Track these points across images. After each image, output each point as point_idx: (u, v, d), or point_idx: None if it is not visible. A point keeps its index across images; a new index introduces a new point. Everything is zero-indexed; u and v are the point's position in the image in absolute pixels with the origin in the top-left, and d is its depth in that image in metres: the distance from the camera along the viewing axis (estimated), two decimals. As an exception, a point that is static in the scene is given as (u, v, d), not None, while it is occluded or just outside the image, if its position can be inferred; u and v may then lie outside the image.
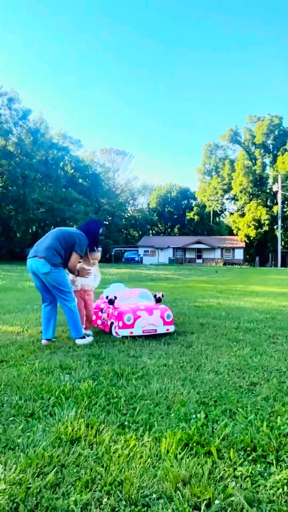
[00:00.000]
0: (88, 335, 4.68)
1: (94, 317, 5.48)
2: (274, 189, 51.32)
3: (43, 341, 4.46)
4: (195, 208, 67.43)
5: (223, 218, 70.72)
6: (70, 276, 4.85)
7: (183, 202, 71.80)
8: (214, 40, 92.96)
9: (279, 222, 48.20)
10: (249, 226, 52.89)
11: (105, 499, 1.66)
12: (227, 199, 64.33)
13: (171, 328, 4.89)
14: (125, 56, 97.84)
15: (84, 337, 4.48)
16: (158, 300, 5.27)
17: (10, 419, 2.41)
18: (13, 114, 43.70)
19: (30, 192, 42.13)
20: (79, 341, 4.41)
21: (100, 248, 5.01)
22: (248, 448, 2.06)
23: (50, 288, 4.46)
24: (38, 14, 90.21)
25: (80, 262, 4.76)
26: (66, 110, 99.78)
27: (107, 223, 59.83)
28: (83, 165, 55.93)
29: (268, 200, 55.29)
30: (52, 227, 49.52)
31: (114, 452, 2.00)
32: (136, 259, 51.66)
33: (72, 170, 54.90)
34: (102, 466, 1.88)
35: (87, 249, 4.73)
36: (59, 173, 50.21)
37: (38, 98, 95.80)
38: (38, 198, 43.40)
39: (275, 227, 51.06)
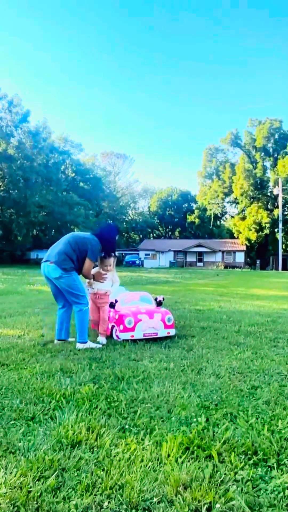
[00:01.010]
0: (99, 343, 4.60)
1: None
2: (275, 193, 51.36)
3: (55, 341, 4.62)
4: (196, 211, 67.47)
5: (224, 221, 70.76)
6: (91, 281, 4.92)
7: (184, 205, 71.86)
8: (216, 45, 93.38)
9: (280, 225, 48.18)
10: (250, 229, 52.89)
11: (106, 503, 1.65)
12: (228, 202, 64.43)
13: (172, 332, 4.88)
14: (127, 61, 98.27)
15: (86, 343, 4.45)
16: (159, 304, 5.27)
17: (11, 422, 2.41)
18: (13, 117, 43.85)
19: (31, 196, 42.22)
20: (79, 345, 4.42)
21: (113, 254, 5.01)
22: (249, 452, 2.05)
23: (63, 292, 4.53)
24: (39, 16, 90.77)
25: (95, 267, 4.81)
26: (67, 113, 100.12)
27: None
28: (84, 168, 56.08)
29: (269, 204, 55.32)
30: (53, 230, 49.78)
31: (115, 456, 2.00)
32: (137, 262, 51.62)
33: (73, 174, 55.04)
34: (103, 470, 1.88)
35: (103, 255, 4.74)
36: (60, 177, 50.33)
37: (39, 101, 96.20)
38: (39, 202, 43.48)
39: (276, 230, 51.03)
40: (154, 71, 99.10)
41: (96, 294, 4.94)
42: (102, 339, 4.73)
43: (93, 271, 4.70)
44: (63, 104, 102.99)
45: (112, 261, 4.91)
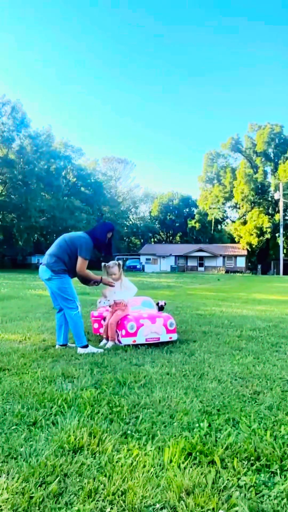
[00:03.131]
0: (102, 348, 4.59)
1: (96, 325, 5.48)
2: (276, 197, 51.44)
3: (56, 346, 4.64)
4: (196, 216, 67.54)
5: (225, 226, 70.85)
6: (103, 290, 4.97)
7: (184, 210, 71.96)
8: (215, 52, 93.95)
9: (281, 230, 48.21)
10: (251, 234, 52.91)
11: (108, 509, 1.64)
12: (228, 207, 64.58)
13: (174, 336, 4.87)
14: (127, 68, 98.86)
15: (87, 346, 4.46)
16: (161, 308, 5.27)
17: (13, 428, 2.40)
18: (15, 123, 44.08)
19: (32, 200, 42.33)
20: (80, 350, 4.41)
21: (117, 262, 5.00)
22: (252, 458, 2.04)
23: (55, 295, 4.56)
24: (40, 22, 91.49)
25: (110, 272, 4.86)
26: (67, 119, 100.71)
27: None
28: (85, 173, 56.26)
29: (270, 208, 55.38)
30: (54, 235, 49.79)
31: (117, 461, 1.99)
32: (138, 267, 51.63)
33: (74, 179, 55.21)
34: (105, 476, 1.87)
35: (105, 258, 4.75)
36: (61, 182, 50.47)
37: (39, 107, 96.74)
38: (40, 206, 43.59)
39: (277, 235, 51.06)
40: (155, 77, 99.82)
41: (116, 304, 4.92)
42: (109, 343, 4.74)
43: (86, 271, 4.59)
44: (63, 110, 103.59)
45: (116, 270, 4.89)
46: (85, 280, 4.70)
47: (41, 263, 4.63)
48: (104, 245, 4.74)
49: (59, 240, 4.64)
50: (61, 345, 4.64)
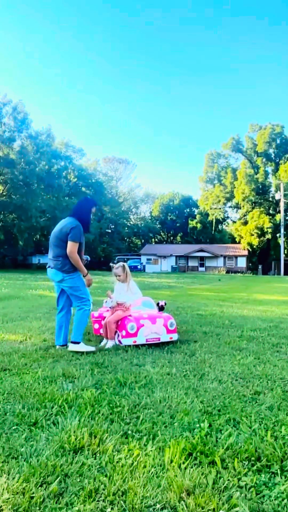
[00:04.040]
0: (97, 347, 4.61)
1: (96, 326, 5.48)
2: (277, 198, 51.41)
3: (57, 347, 4.64)
4: (197, 216, 67.55)
5: (226, 226, 70.84)
6: (108, 292, 5.06)
7: (185, 210, 71.92)
8: (216, 52, 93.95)
9: (282, 230, 48.19)
10: (252, 234, 52.90)
11: (109, 509, 1.65)
12: (229, 207, 64.55)
13: (175, 337, 4.87)
14: (128, 68, 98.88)
15: (78, 343, 4.45)
16: (161, 309, 5.27)
17: (13, 428, 2.40)
18: (17, 123, 44.10)
19: (33, 200, 42.34)
20: (71, 346, 4.42)
21: (121, 263, 5.01)
22: (253, 458, 2.04)
23: (68, 294, 4.62)
24: (41, 22, 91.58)
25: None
26: (67, 119, 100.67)
27: (109, 231, 59.95)
28: (86, 173, 56.24)
29: (271, 208, 55.37)
30: (55, 235, 49.77)
31: (117, 462, 1.99)
32: (139, 267, 51.60)
33: (75, 179, 55.21)
34: (106, 476, 1.87)
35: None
36: (62, 182, 50.48)
37: (40, 107, 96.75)
38: (41, 207, 43.60)
39: (277, 235, 51.03)
40: (155, 77, 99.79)
41: (119, 304, 4.92)
42: (109, 343, 4.74)
43: (76, 253, 4.50)
44: (63, 110, 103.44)
45: (121, 271, 4.89)
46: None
47: (48, 267, 4.64)
48: (89, 224, 4.72)
49: (53, 240, 4.62)
50: (61, 346, 4.64)
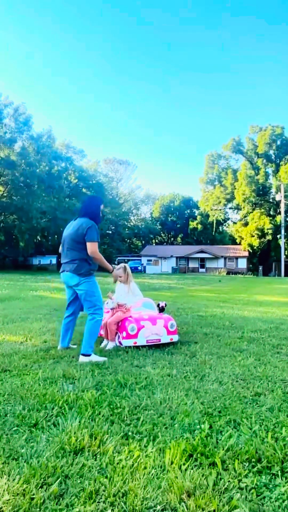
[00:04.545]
0: (104, 354, 4.43)
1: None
2: (277, 199, 51.37)
3: (59, 347, 4.63)
4: (198, 217, 67.58)
5: (226, 227, 70.84)
6: (109, 293, 5.04)
7: (186, 211, 71.97)
8: (216, 53, 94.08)
9: (282, 231, 48.16)
10: (252, 236, 52.90)
11: (109, 511, 1.65)
12: (230, 208, 64.51)
13: (175, 338, 4.87)
14: (129, 67, 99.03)
15: (89, 355, 4.18)
16: (162, 310, 5.27)
17: (14, 429, 2.40)
18: (18, 124, 44.17)
19: (34, 202, 42.38)
20: (82, 358, 4.14)
21: (123, 264, 4.99)
22: (253, 459, 2.04)
23: (81, 300, 4.43)
24: (42, 24, 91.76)
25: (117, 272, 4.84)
26: (68, 120, 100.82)
27: (110, 232, 59.98)
28: (87, 175, 56.30)
29: (271, 210, 55.36)
30: (56, 237, 49.82)
31: (118, 463, 1.99)
32: (139, 268, 51.56)
33: (76, 180, 55.26)
34: (106, 477, 1.87)
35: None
36: (63, 183, 50.52)
37: (40, 108, 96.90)
38: (42, 208, 43.64)
39: (278, 236, 50.98)
40: (156, 77, 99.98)
41: (115, 306, 4.92)
42: (110, 345, 4.73)
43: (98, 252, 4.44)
44: (63, 110, 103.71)
45: (122, 272, 4.89)
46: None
47: (63, 271, 4.47)
48: (99, 219, 4.58)
49: (69, 243, 4.43)
50: (65, 348, 4.60)
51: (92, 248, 4.28)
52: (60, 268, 4.62)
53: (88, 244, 4.28)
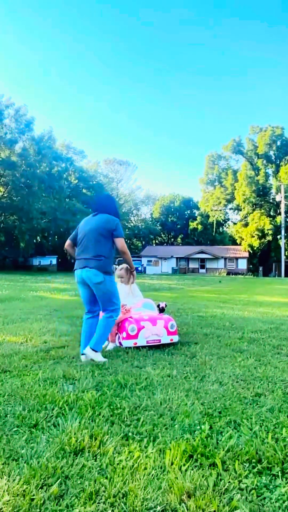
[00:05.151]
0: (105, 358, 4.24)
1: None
2: (277, 199, 51.41)
3: (81, 357, 4.14)
4: (198, 218, 67.59)
5: (227, 228, 70.88)
6: None
7: (186, 212, 72.00)
8: (216, 55, 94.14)
9: (283, 232, 48.18)
10: (253, 236, 52.91)
11: (109, 511, 1.64)
12: (230, 209, 64.56)
13: (175, 338, 4.87)
14: (129, 68, 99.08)
15: (98, 352, 4.09)
16: (162, 310, 5.26)
17: (14, 429, 2.40)
18: (19, 125, 44.22)
19: (34, 202, 42.43)
20: (91, 352, 4.02)
21: (124, 265, 4.94)
22: (253, 460, 2.04)
23: (100, 299, 4.22)
24: (42, 25, 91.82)
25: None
26: (68, 121, 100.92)
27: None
28: (87, 175, 56.37)
29: (271, 210, 55.40)
30: (56, 237, 49.89)
31: (118, 464, 1.99)
32: (139, 269, 51.55)
33: (76, 181, 55.31)
34: (106, 478, 1.87)
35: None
36: (63, 183, 50.57)
37: (40, 108, 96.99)
38: (42, 208, 43.69)
39: (278, 237, 51.02)
40: (156, 78, 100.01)
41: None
42: (110, 345, 4.72)
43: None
44: (64, 111, 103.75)
45: (124, 272, 4.88)
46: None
47: (85, 267, 4.14)
48: (118, 215, 4.49)
49: (94, 236, 4.18)
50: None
51: (124, 244, 4.22)
52: (75, 264, 4.32)
53: (118, 240, 4.19)
